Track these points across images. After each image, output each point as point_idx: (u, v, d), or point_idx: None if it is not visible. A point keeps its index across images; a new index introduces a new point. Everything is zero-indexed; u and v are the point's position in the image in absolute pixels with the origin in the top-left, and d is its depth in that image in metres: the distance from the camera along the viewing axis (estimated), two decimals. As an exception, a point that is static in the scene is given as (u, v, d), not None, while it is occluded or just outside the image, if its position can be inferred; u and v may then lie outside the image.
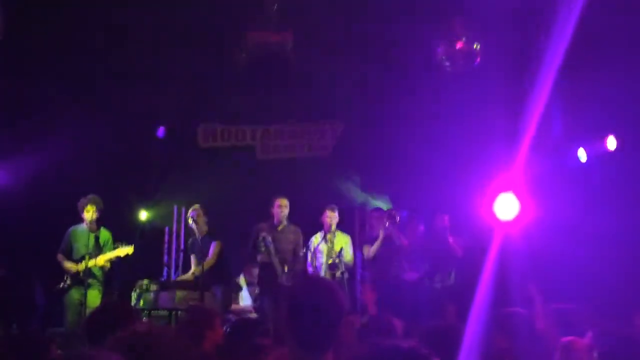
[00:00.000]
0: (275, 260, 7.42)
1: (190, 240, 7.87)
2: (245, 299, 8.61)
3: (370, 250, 7.95)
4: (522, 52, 7.12)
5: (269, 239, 7.46)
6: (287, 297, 2.40)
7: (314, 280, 2.85)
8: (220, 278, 7.60)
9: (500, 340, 3.61)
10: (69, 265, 7.20)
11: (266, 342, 4.13)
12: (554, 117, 8.61)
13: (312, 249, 7.94)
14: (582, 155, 8.72)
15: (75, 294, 7.11)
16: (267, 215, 7.78)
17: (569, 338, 3.39)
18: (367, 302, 8.11)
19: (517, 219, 7.41)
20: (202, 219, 7.64)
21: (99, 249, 7.21)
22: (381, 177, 9.30)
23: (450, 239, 8.01)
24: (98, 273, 7.24)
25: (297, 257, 7.67)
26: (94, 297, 7.08)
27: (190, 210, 7.71)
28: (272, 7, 6.70)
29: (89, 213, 7.27)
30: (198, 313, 4.25)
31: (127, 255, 7.23)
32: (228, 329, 7.07)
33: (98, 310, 3.50)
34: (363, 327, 4.37)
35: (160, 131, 9.08)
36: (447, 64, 7.83)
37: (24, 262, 7.73)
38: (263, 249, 7.42)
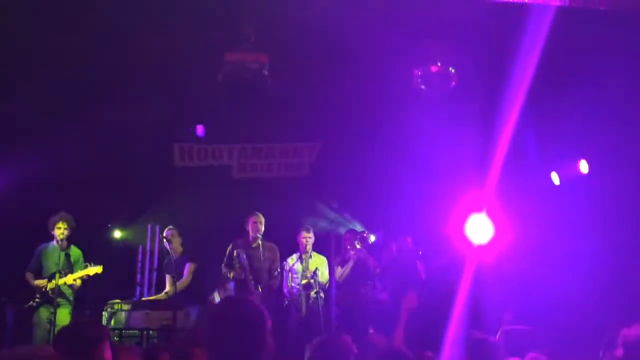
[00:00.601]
0: (249, 277, 7.41)
1: (165, 260, 7.84)
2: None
3: (341, 274, 7.97)
4: (493, 76, 7.23)
5: (244, 255, 7.45)
6: (210, 315, 2.46)
7: (237, 300, 2.86)
8: (196, 298, 7.56)
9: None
10: (38, 282, 7.11)
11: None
12: (528, 142, 8.74)
13: (288, 269, 7.92)
14: (555, 178, 8.85)
15: (44, 313, 7.03)
16: (242, 234, 7.77)
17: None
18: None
19: (490, 242, 7.48)
20: (177, 239, 7.65)
21: (69, 267, 7.13)
22: (357, 197, 9.34)
23: (417, 262, 8.06)
24: (68, 292, 7.17)
25: (272, 274, 7.62)
26: (64, 316, 7.00)
27: (165, 230, 7.71)
28: (249, 29, 6.75)
29: (60, 230, 7.21)
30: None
31: (96, 274, 7.16)
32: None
33: (68, 329, 3.42)
34: None
35: (200, 130, 8.99)
36: (423, 86, 7.91)
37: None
38: (237, 265, 7.41)
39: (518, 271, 7.91)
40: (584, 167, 8.61)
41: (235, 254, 7.46)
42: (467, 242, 7.48)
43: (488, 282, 7.54)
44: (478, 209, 7.47)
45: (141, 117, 8.38)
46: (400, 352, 3.14)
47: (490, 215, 7.58)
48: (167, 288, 7.57)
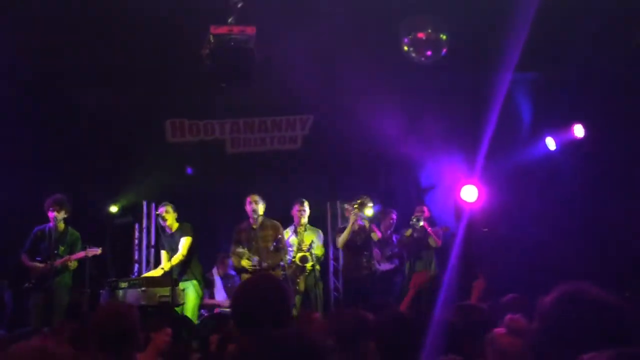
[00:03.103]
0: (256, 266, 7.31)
1: (161, 236, 7.84)
2: (219, 292, 8.60)
3: (340, 238, 7.93)
4: (485, 42, 7.15)
5: (255, 259, 7.32)
6: (235, 293, 2.55)
7: (259, 277, 2.99)
8: (191, 273, 7.57)
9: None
10: (35, 265, 7.14)
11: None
12: (523, 107, 8.70)
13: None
14: (550, 143, 8.82)
15: (41, 294, 7.06)
16: (236, 210, 7.75)
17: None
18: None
19: (482, 204, 7.47)
20: (172, 215, 7.62)
21: (66, 249, 7.15)
22: (351, 169, 9.32)
23: (429, 229, 8.07)
24: (65, 273, 7.19)
25: (279, 252, 7.45)
26: (61, 297, 7.03)
27: (159, 207, 7.69)
28: (236, 1, 6.64)
29: (56, 212, 7.20)
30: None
31: (95, 256, 7.19)
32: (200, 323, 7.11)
33: (101, 321, 3.35)
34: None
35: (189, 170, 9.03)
36: (414, 54, 7.82)
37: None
38: (245, 256, 7.30)
39: (513, 233, 7.92)
40: (579, 131, 8.58)
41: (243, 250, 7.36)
42: (461, 210, 7.50)
43: (483, 245, 7.59)
44: (472, 177, 7.46)
45: (132, 95, 8.34)
46: (403, 316, 3.16)
47: (484, 182, 7.59)
48: (163, 264, 7.59)
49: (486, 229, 7.90)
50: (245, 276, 7.38)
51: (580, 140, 8.52)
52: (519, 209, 8.15)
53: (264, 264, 7.28)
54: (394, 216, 8.54)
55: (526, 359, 2.00)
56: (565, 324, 1.71)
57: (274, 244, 7.43)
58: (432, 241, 8.09)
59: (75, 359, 1.96)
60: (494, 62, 6.89)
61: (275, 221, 7.65)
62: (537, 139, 8.83)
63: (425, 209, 8.33)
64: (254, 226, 7.50)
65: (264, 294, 2.45)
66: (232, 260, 7.68)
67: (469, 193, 7.31)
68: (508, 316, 3.06)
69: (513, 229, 7.77)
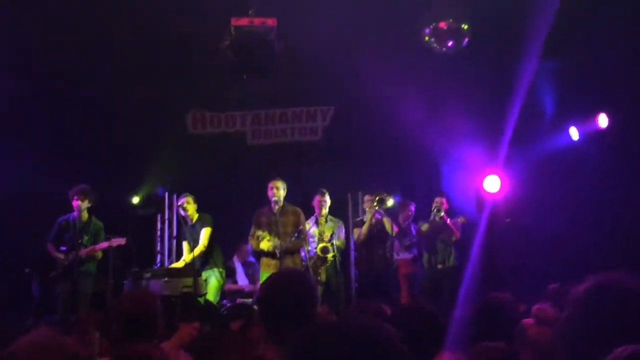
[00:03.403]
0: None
1: (182, 227, 7.90)
2: (240, 279, 8.69)
3: (360, 234, 7.97)
4: (508, 30, 7.07)
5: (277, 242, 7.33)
6: (259, 292, 2.59)
7: (283, 274, 3.00)
8: (213, 264, 7.63)
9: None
10: (60, 254, 7.24)
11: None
12: (546, 96, 8.59)
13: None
14: (574, 133, 8.71)
15: (67, 284, 7.16)
16: (258, 200, 7.77)
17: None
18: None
19: (505, 194, 7.42)
20: (192, 206, 7.67)
21: (90, 238, 7.25)
22: (372, 161, 9.30)
23: (448, 221, 8.06)
24: (90, 262, 7.29)
25: (300, 237, 7.44)
26: (86, 286, 7.14)
27: (180, 198, 7.75)
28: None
29: (80, 202, 7.29)
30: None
31: (119, 246, 7.27)
32: (224, 312, 7.16)
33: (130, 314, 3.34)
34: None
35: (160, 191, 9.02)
36: (435, 45, 7.76)
37: (16, 254, 7.77)
38: (261, 238, 7.31)
39: (536, 224, 7.85)
40: (603, 121, 8.46)
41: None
42: (483, 200, 7.45)
43: (506, 236, 7.53)
44: (495, 167, 7.39)
45: (156, 87, 8.39)
46: (421, 308, 3.14)
47: (507, 172, 7.52)
48: (185, 255, 7.66)
49: (509, 220, 7.84)
50: (265, 260, 7.40)
51: (604, 131, 8.40)
52: (541, 199, 8.07)
53: (284, 247, 7.29)
54: (412, 208, 8.55)
55: (556, 349, 1.98)
56: (597, 313, 1.69)
57: (297, 230, 7.42)
58: (451, 233, 8.07)
59: (85, 348, 1.96)
60: (518, 49, 6.81)
61: (296, 207, 7.64)
62: (561, 129, 8.72)
63: (444, 200, 8.31)
64: (275, 211, 7.50)
65: (292, 287, 2.45)
66: (251, 244, 7.60)
67: (492, 183, 7.24)
68: (536, 306, 3.04)
69: (536, 220, 7.70)
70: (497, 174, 7.24)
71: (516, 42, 6.92)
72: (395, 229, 8.21)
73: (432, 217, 8.29)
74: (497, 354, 2.56)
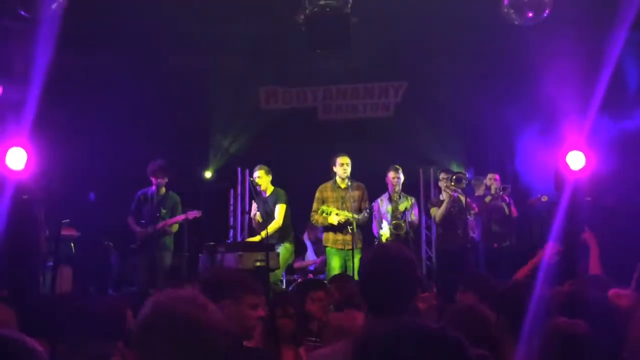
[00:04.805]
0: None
1: (257, 201, 7.91)
2: (311, 256, 8.75)
3: (437, 214, 7.83)
4: (594, 4, 6.72)
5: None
6: (361, 265, 2.47)
7: (386, 248, 2.81)
8: (284, 238, 7.65)
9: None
10: (139, 227, 7.43)
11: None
12: (629, 73, 8.20)
13: (377, 210, 7.87)
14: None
15: (146, 256, 7.34)
16: (328, 175, 7.74)
17: None
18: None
19: (588, 171, 7.11)
20: (266, 178, 7.62)
21: (167, 212, 7.40)
22: (444, 136, 9.13)
23: (506, 199, 7.86)
24: (167, 236, 7.45)
25: (362, 212, 7.45)
26: (164, 259, 7.31)
27: (254, 171, 7.75)
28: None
29: (157, 178, 7.44)
30: None
31: (195, 219, 7.40)
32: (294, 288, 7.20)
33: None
34: None
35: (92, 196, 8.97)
36: (514, 16, 7.47)
37: (96, 227, 8.01)
38: (327, 213, 7.34)
39: (618, 204, 7.53)
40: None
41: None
42: (562, 178, 7.16)
43: (585, 214, 7.25)
44: (578, 143, 7.07)
45: (227, 63, 8.44)
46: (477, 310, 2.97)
47: (589, 149, 7.19)
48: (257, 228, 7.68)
49: (589, 198, 7.53)
50: (333, 236, 7.43)
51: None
52: (624, 178, 7.72)
53: (359, 220, 7.27)
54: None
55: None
56: None
57: (366, 206, 7.46)
58: (509, 210, 7.89)
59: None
60: (605, 20, 6.47)
61: (360, 183, 7.61)
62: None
63: (497, 176, 8.11)
64: (343, 186, 7.49)
65: (399, 265, 2.31)
66: (316, 220, 7.59)
67: (576, 160, 6.95)
68: (612, 291, 2.93)
69: (619, 199, 7.38)
70: (581, 150, 6.93)
71: (605, 11, 6.59)
72: (475, 207, 8.04)
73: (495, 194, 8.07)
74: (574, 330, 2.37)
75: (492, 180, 8.14)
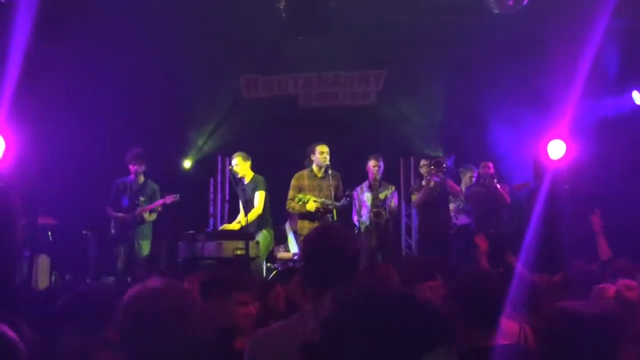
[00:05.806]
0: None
1: (237, 188, 7.83)
2: (293, 247, 8.69)
3: (418, 198, 7.83)
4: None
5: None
6: (305, 241, 2.52)
7: (329, 226, 3.05)
8: (263, 225, 7.58)
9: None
10: (117, 215, 7.36)
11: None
12: (610, 59, 8.22)
13: (357, 199, 7.85)
14: (637, 97, 8.34)
15: (123, 245, 7.28)
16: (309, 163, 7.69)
17: None
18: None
19: (568, 160, 7.15)
20: (245, 164, 7.54)
21: (146, 200, 7.34)
22: (425, 124, 9.12)
23: (498, 186, 7.87)
24: (145, 224, 7.39)
25: (339, 200, 7.41)
26: (142, 248, 7.25)
27: (233, 158, 7.67)
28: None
29: (137, 166, 7.37)
30: None
31: (173, 203, 7.33)
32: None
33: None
34: None
35: None
36: (494, 4, 7.47)
37: (73, 216, 7.90)
38: (304, 200, 7.29)
39: (598, 189, 7.58)
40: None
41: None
42: (541, 166, 7.20)
43: (565, 200, 7.30)
44: (558, 131, 7.10)
45: (207, 51, 8.34)
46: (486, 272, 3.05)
47: (570, 135, 7.23)
48: (240, 217, 7.64)
49: (567, 187, 7.59)
50: (307, 224, 7.37)
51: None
52: (603, 165, 7.78)
53: (337, 206, 7.25)
54: (475, 174, 8.35)
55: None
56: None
57: (344, 194, 7.44)
58: (501, 197, 7.90)
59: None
60: (586, 8, 6.49)
61: (335, 172, 7.55)
62: (623, 93, 8.35)
63: (490, 164, 8.12)
64: (319, 174, 7.46)
65: (334, 242, 2.38)
66: (291, 207, 7.52)
67: (556, 148, 6.98)
68: (620, 281, 2.94)
69: (598, 187, 7.43)
70: (561, 139, 6.96)
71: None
72: (457, 189, 8.05)
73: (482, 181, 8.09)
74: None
75: (485, 169, 8.10)
